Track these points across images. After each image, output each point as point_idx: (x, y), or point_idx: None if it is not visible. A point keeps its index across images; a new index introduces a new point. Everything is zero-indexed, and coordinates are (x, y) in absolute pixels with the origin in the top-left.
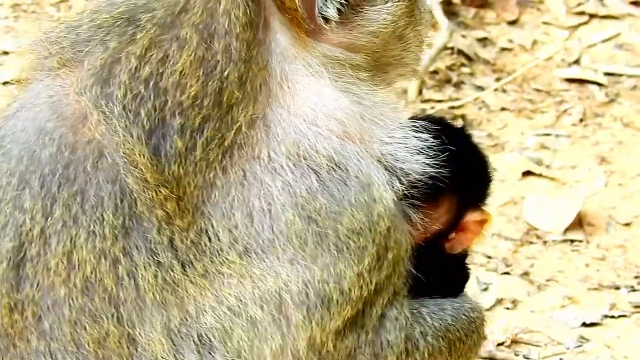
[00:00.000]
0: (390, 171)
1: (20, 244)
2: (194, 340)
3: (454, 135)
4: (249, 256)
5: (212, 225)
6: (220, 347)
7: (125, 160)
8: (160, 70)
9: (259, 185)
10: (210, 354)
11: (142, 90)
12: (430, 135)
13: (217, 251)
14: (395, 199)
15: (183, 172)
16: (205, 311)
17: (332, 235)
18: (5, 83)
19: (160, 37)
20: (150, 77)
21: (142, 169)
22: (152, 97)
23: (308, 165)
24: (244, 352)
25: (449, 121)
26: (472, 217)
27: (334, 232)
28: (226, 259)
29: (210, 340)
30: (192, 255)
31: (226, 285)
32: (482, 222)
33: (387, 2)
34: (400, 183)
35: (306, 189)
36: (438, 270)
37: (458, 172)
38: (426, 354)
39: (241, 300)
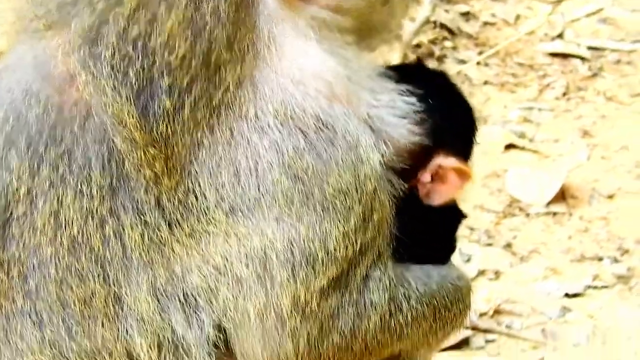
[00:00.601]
0: (376, 133)
1: (6, 204)
2: (179, 300)
3: (433, 80)
4: (235, 214)
5: (199, 185)
6: (206, 306)
7: (114, 120)
8: (149, 31)
9: (246, 144)
10: (196, 312)
11: (131, 51)
12: (416, 99)
13: (204, 210)
14: (382, 160)
15: (171, 131)
16: (191, 270)
17: (319, 194)
18: None
19: None
20: (138, 38)
21: (130, 129)
22: (140, 58)
23: (295, 125)
24: (229, 311)
25: (428, 67)
26: (446, 162)
27: (321, 191)
28: (213, 217)
29: (196, 300)
30: (179, 214)
31: (212, 245)
32: (461, 173)
33: None
34: (385, 146)
35: (293, 148)
36: (424, 237)
37: (431, 114)
38: (410, 318)
39: (227, 259)
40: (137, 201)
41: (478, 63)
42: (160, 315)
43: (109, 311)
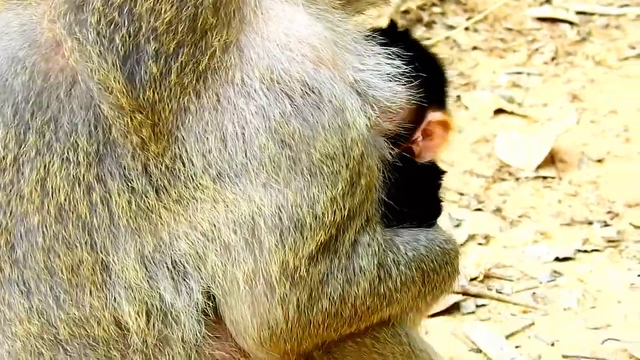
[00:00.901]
0: (363, 97)
1: None
2: (167, 267)
3: (405, 40)
4: (222, 180)
5: (186, 150)
6: (195, 273)
7: (100, 86)
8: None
9: (232, 109)
10: (184, 280)
11: (116, 17)
12: (402, 62)
13: (191, 176)
14: (369, 124)
15: (158, 97)
16: (179, 237)
17: (306, 159)
18: None
19: None
20: (124, 3)
21: (117, 95)
22: (126, 23)
23: (281, 90)
24: (217, 278)
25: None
26: (434, 117)
27: (308, 156)
28: (200, 183)
29: (184, 267)
30: (166, 180)
31: (199, 211)
32: (444, 125)
33: None
34: (372, 110)
35: (279, 113)
36: (410, 198)
37: (416, 74)
38: (399, 283)
39: (214, 225)
40: (124, 167)
41: (466, 28)
42: (148, 282)
43: (97, 279)
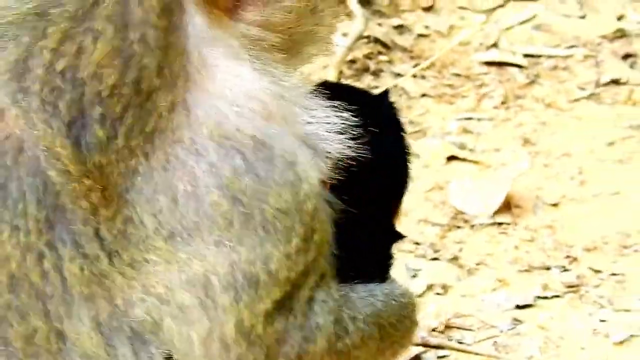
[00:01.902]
0: (314, 150)
1: None
2: (125, 334)
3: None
4: (175, 240)
5: (137, 212)
6: (153, 338)
7: (47, 153)
8: (76, 62)
9: (182, 168)
10: (143, 345)
11: (59, 83)
12: (350, 114)
13: (143, 238)
14: (320, 178)
15: (106, 161)
16: (134, 303)
17: (259, 215)
18: None
19: (72, 31)
20: (66, 70)
21: (64, 161)
22: (69, 89)
23: (232, 145)
24: (174, 341)
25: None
26: None
27: (260, 212)
28: (152, 245)
29: (141, 333)
30: (118, 245)
31: (153, 273)
32: None
33: None
34: (323, 163)
35: (231, 169)
36: (362, 253)
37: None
38: (356, 339)
39: (168, 287)
40: (75, 233)
41: (414, 76)
42: (105, 350)
43: (52, 347)
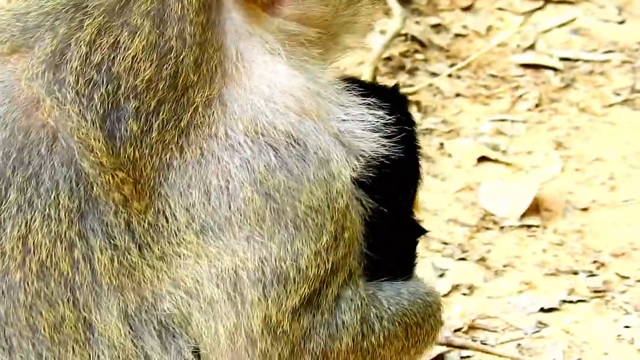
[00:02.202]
0: (347, 148)
1: None
2: (154, 326)
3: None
4: (206, 234)
5: (170, 206)
6: (181, 332)
7: (80, 144)
8: (112, 56)
9: (216, 162)
10: (172, 339)
11: (95, 76)
12: (384, 112)
13: (175, 232)
14: (353, 175)
15: (139, 155)
16: (162, 297)
17: (290, 212)
18: None
19: (109, 24)
20: (102, 63)
21: (97, 153)
22: (104, 82)
23: (266, 142)
24: (202, 335)
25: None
26: None
27: (292, 208)
28: (183, 239)
29: (170, 326)
30: (149, 237)
31: (183, 267)
32: None
33: None
34: (357, 161)
35: (264, 165)
36: (384, 250)
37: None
38: (382, 338)
39: (198, 282)
40: (107, 224)
41: (450, 75)
42: (132, 341)
43: (79, 337)
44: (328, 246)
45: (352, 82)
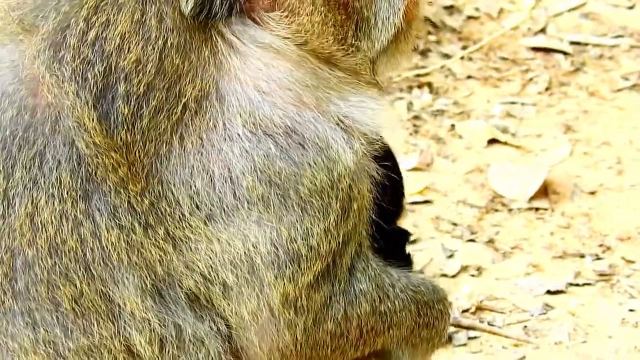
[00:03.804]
0: (349, 132)
1: None
2: (183, 300)
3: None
4: (215, 221)
5: (172, 192)
6: (209, 308)
7: (77, 123)
8: (104, 34)
9: (217, 153)
10: (207, 310)
11: (90, 54)
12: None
13: (179, 217)
14: (356, 158)
15: (131, 139)
16: (180, 275)
17: (295, 195)
18: None
19: (104, 1)
20: (96, 41)
21: (91, 133)
22: (98, 61)
23: (264, 132)
24: (227, 315)
25: None
26: None
27: (296, 192)
28: (189, 224)
29: (200, 301)
30: (151, 219)
31: (193, 251)
32: None
33: None
34: (360, 144)
35: (264, 155)
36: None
37: None
38: (397, 303)
39: (211, 267)
40: (111, 204)
41: (462, 58)
42: (157, 315)
43: (102, 310)
44: (337, 222)
45: None
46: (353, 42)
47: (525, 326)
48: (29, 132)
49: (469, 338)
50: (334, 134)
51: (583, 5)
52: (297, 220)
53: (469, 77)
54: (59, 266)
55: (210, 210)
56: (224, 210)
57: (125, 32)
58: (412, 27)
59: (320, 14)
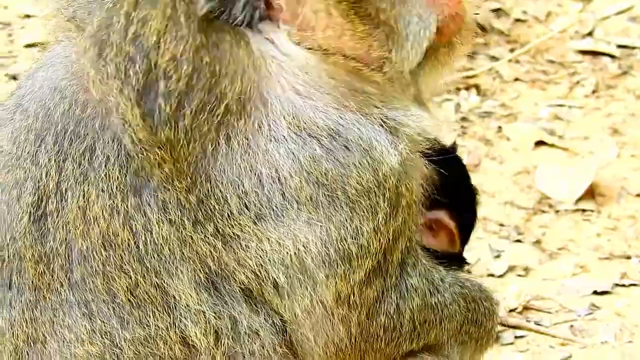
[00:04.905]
0: (393, 133)
1: (39, 199)
2: (239, 294)
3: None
4: (264, 221)
5: (220, 190)
6: (253, 300)
7: (122, 120)
8: (143, 31)
9: (263, 154)
10: (263, 304)
11: (131, 51)
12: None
13: (227, 215)
14: (401, 158)
15: (175, 136)
16: (232, 271)
17: (342, 195)
18: (27, 46)
19: None
20: (136, 38)
21: (135, 130)
22: (138, 58)
23: (309, 134)
24: (281, 312)
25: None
26: (447, 222)
27: (344, 193)
28: (239, 223)
29: (254, 295)
30: (200, 215)
31: (244, 249)
32: (452, 239)
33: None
34: (405, 145)
35: (310, 156)
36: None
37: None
38: (447, 296)
39: (262, 266)
40: (160, 199)
41: (509, 60)
42: (212, 307)
43: (157, 302)
44: (386, 220)
45: None
46: (382, 54)
47: (572, 326)
48: (80, 127)
49: (516, 337)
50: (378, 135)
51: (631, 8)
52: (346, 220)
53: (517, 79)
54: (113, 258)
55: (260, 210)
56: (273, 210)
57: (159, 29)
58: (452, 41)
59: (339, 28)
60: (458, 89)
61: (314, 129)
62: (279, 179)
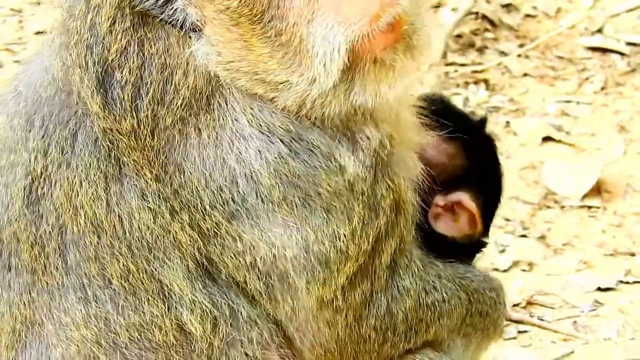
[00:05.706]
0: (351, 143)
1: (30, 183)
2: (235, 286)
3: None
4: (239, 220)
5: (193, 182)
6: (247, 293)
7: (85, 108)
8: (98, 19)
9: (233, 150)
10: (251, 298)
11: (89, 38)
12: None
13: (202, 209)
14: (364, 164)
15: (137, 125)
16: (215, 264)
17: (316, 197)
18: (37, 33)
19: None
20: (93, 25)
21: (98, 116)
22: (95, 46)
23: (272, 133)
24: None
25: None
26: (468, 204)
27: (317, 194)
28: (212, 219)
29: (237, 287)
30: (176, 205)
31: (220, 246)
32: (472, 222)
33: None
34: (362, 152)
35: (277, 154)
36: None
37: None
38: (444, 293)
39: (237, 268)
40: (139, 187)
41: (519, 55)
42: (208, 297)
43: (150, 288)
44: (363, 223)
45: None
46: (281, 78)
47: (575, 322)
48: (64, 112)
49: (519, 332)
50: (337, 144)
51: None
52: (322, 224)
53: (525, 74)
54: (104, 244)
55: (235, 209)
56: (248, 210)
57: (110, 17)
58: (380, 57)
59: (238, 50)
60: (467, 84)
61: (275, 130)
62: (251, 177)
